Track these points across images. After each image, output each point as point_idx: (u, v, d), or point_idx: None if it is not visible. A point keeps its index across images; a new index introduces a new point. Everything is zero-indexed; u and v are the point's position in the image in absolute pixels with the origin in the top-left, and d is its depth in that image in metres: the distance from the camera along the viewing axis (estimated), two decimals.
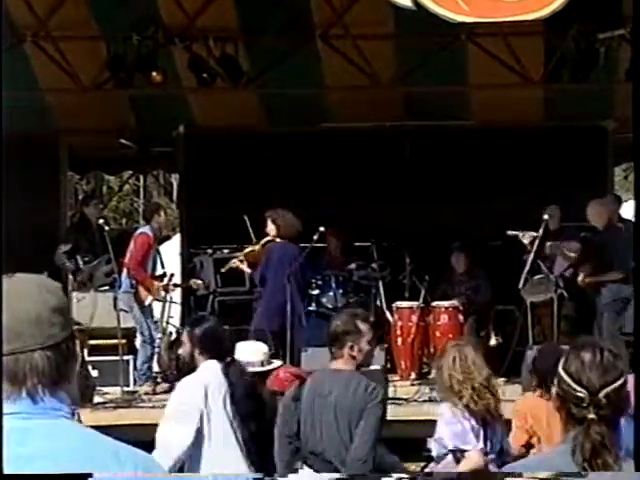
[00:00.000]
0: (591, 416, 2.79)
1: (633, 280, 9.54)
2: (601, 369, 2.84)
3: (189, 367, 6.06)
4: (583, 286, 10.87)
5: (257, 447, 5.95)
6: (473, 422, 5.93)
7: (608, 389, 2.82)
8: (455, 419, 5.96)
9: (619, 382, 2.85)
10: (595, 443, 2.76)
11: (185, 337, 6.19)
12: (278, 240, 10.85)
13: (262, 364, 7.02)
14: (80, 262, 11.67)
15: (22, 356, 2.10)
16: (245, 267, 11.23)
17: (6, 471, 2.06)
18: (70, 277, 11.53)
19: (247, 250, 11.33)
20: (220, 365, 5.97)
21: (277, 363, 7.50)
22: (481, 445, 5.95)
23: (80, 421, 5.14)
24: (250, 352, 7.06)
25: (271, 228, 10.89)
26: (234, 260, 11.54)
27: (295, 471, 5.61)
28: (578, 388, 2.83)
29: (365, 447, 5.61)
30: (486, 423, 5.97)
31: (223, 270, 11.98)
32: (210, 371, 5.96)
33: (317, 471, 5.56)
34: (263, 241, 11.05)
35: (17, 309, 2.11)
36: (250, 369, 6.55)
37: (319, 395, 5.69)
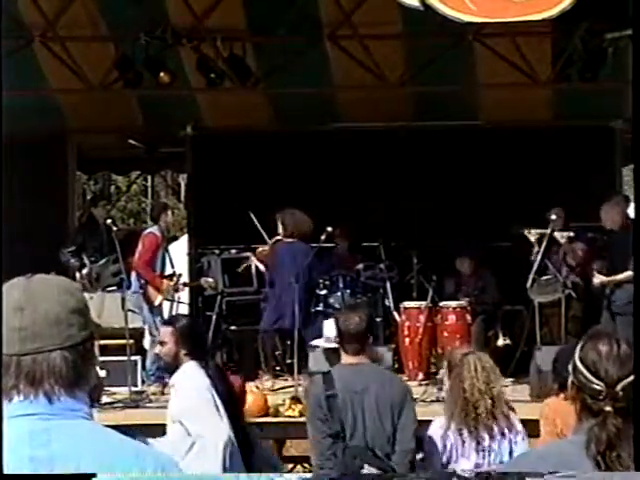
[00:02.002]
0: (608, 409, 2.74)
1: (634, 280, 9.45)
2: (618, 361, 2.79)
3: (173, 367, 6.02)
4: (597, 286, 10.83)
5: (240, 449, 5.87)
6: (471, 435, 5.96)
7: (625, 382, 2.77)
8: (450, 439, 6.00)
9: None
10: (611, 436, 2.72)
11: (168, 336, 6.09)
12: (286, 240, 10.87)
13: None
14: (86, 262, 11.72)
15: (40, 356, 2.10)
16: (262, 266, 11.24)
17: (27, 471, 2.08)
18: (77, 276, 11.52)
19: (258, 250, 11.40)
20: (202, 366, 5.95)
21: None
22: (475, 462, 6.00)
23: None
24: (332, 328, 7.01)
25: (280, 228, 10.94)
26: (252, 258, 11.56)
27: (358, 470, 5.58)
28: (595, 380, 2.78)
29: (412, 439, 5.80)
30: (492, 434, 5.98)
31: (239, 270, 11.99)
32: (201, 373, 5.93)
33: (364, 464, 5.63)
34: (272, 241, 11.12)
35: (36, 310, 2.11)
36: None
37: (354, 392, 5.74)
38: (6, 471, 2.07)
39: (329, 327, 7.04)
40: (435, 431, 6.11)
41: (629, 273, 10.26)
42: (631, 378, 2.77)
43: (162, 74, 12.41)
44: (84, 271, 11.60)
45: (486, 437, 6.00)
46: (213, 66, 12.58)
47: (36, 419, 2.11)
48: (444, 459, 6.04)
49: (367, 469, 5.60)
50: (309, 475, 5.98)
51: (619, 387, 2.77)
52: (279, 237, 10.97)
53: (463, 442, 6.01)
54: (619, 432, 2.72)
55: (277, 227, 10.99)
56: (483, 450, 6.02)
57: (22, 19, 12.34)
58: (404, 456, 5.77)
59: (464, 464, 6.02)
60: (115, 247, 10.95)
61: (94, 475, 2.07)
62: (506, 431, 6.05)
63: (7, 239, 10.35)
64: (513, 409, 6.19)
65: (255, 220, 11.55)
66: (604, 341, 2.83)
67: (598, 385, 2.77)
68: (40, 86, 13.14)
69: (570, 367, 2.87)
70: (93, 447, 2.12)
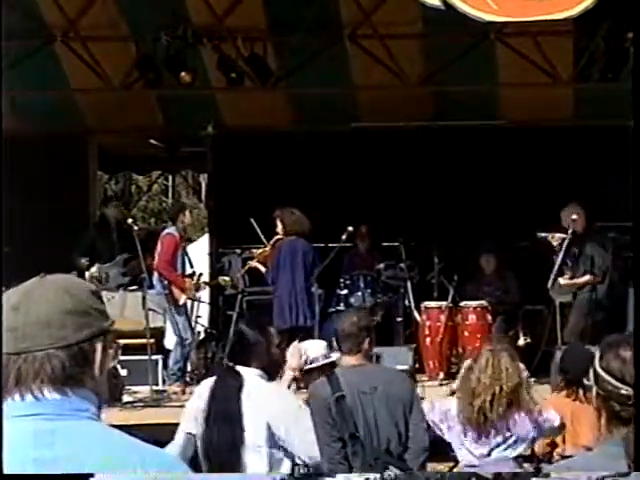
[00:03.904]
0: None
1: (633, 280, 9.59)
2: None
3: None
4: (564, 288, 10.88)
5: None
6: (469, 429, 6.02)
7: None
8: (452, 421, 6.06)
9: None
10: None
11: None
12: (287, 238, 10.88)
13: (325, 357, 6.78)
14: (95, 262, 11.79)
15: (30, 356, 2.11)
16: (261, 267, 11.22)
17: (31, 472, 2.07)
18: (87, 276, 11.55)
19: (259, 251, 11.41)
20: None
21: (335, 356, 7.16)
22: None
23: None
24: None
25: (279, 227, 10.96)
26: (249, 262, 11.61)
27: (384, 471, 5.46)
28: (623, 386, 2.74)
29: (425, 436, 5.76)
30: (486, 431, 6.01)
31: (242, 272, 12.06)
32: None
33: (387, 466, 5.56)
34: (272, 240, 11.13)
35: (28, 311, 2.14)
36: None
37: (362, 392, 5.68)
38: (6, 471, 2.07)
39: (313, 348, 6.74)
40: (437, 415, 6.19)
41: (588, 277, 10.60)
42: None
43: (183, 74, 12.47)
44: (92, 270, 11.62)
45: (491, 431, 6.02)
46: (234, 66, 12.67)
47: (40, 419, 2.11)
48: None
49: (392, 471, 5.48)
50: None
51: None
52: (279, 236, 10.97)
53: (465, 432, 6.07)
54: None
55: (276, 226, 11.01)
56: (484, 444, 6.05)
57: (44, 19, 12.46)
58: (418, 455, 5.73)
59: (465, 454, 6.11)
60: (126, 247, 11.10)
61: (92, 475, 2.07)
62: (506, 430, 6.05)
63: (29, 239, 10.50)
64: (531, 411, 6.13)
65: (256, 226, 11.64)
66: (624, 347, 2.79)
67: (627, 391, 2.74)
68: (61, 86, 13.26)
69: (591, 378, 2.83)
70: (98, 448, 2.11)
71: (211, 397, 5.39)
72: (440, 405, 6.30)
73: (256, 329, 5.71)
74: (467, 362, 6.34)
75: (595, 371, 2.81)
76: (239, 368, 5.39)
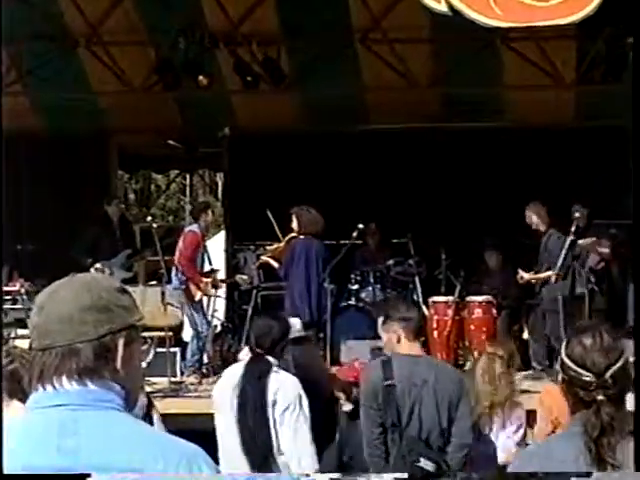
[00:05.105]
0: (600, 397, 2.79)
1: (632, 277, 9.70)
2: (604, 351, 2.83)
3: None
4: (523, 283, 11.08)
5: None
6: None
7: (613, 369, 2.81)
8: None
9: (621, 361, 2.85)
10: (604, 423, 2.76)
11: None
12: (301, 237, 10.84)
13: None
14: (99, 258, 11.89)
15: (53, 352, 2.18)
16: (274, 262, 11.19)
17: (55, 462, 2.11)
18: (91, 272, 11.55)
19: (272, 247, 11.38)
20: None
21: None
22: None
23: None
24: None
25: (295, 224, 10.90)
26: (262, 257, 11.66)
27: (415, 461, 5.55)
28: (584, 372, 2.82)
29: (469, 432, 5.73)
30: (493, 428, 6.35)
31: (254, 266, 12.17)
32: None
33: (420, 457, 5.58)
34: (287, 237, 11.09)
35: (52, 310, 2.20)
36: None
37: (413, 384, 5.61)
38: (6, 471, 2.09)
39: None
40: None
41: (549, 273, 10.65)
42: (618, 365, 2.83)
43: (201, 77, 12.61)
44: (97, 266, 11.72)
45: (488, 429, 6.35)
46: (249, 69, 12.82)
47: (64, 409, 2.15)
48: None
49: (423, 462, 5.55)
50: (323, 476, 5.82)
51: (607, 375, 2.81)
52: (294, 234, 10.94)
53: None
54: (612, 419, 2.77)
55: (292, 223, 10.95)
56: (485, 440, 6.30)
57: (68, 25, 12.61)
58: (459, 449, 5.66)
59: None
60: (128, 243, 11.49)
61: (89, 475, 2.08)
62: (502, 428, 6.41)
63: (50, 238, 10.53)
64: (511, 409, 6.46)
65: (272, 218, 11.64)
66: (587, 334, 2.86)
67: (587, 376, 2.81)
68: (84, 89, 13.38)
69: (558, 365, 2.92)
70: (119, 438, 2.13)
71: (243, 382, 5.73)
72: None
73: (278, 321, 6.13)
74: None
75: (561, 358, 2.90)
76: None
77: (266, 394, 5.70)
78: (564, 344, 2.92)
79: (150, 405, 5.48)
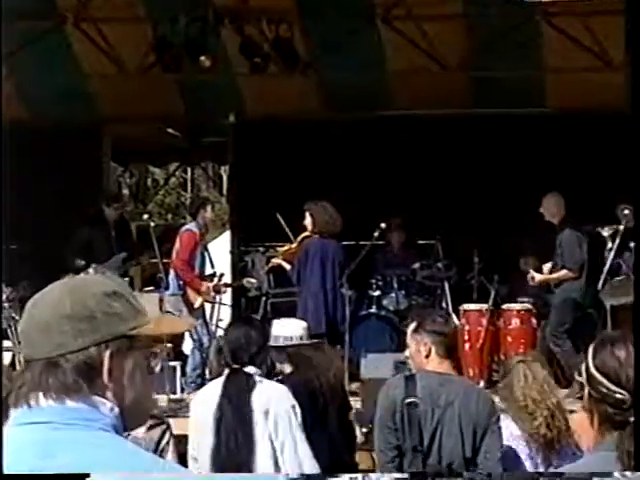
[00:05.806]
0: (633, 419, 2.62)
1: (634, 280, 9.62)
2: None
3: None
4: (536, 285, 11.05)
5: None
6: (535, 448, 5.74)
7: None
8: (516, 441, 5.75)
9: None
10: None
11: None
12: (316, 236, 10.58)
13: (301, 339, 6.81)
14: (92, 261, 11.76)
15: (32, 364, 2.14)
16: (286, 265, 11.01)
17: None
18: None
19: (284, 249, 11.24)
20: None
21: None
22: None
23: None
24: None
25: (308, 222, 10.61)
26: (273, 259, 11.57)
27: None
28: (618, 389, 2.64)
29: (498, 465, 5.48)
30: (553, 449, 5.75)
31: (263, 270, 12.19)
32: None
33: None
34: (300, 238, 10.91)
35: (34, 316, 2.16)
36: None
37: (437, 405, 5.50)
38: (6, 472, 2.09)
39: (277, 327, 6.84)
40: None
41: (564, 272, 10.67)
42: None
43: (203, 58, 12.34)
44: (90, 270, 11.54)
45: (542, 450, 5.77)
46: (258, 50, 12.51)
47: (44, 427, 2.09)
48: None
49: None
50: None
51: None
52: (308, 233, 10.71)
53: (531, 451, 5.76)
54: None
55: (305, 219, 10.70)
56: (536, 463, 5.78)
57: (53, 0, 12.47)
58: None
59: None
60: (124, 246, 11.58)
61: (88, 475, 2.05)
62: (568, 447, 5.76)
63: (38, 236, 10.49)
64: (569, 427, 5.90)
65: (282, 221, 11.56)
66: (619, 345, 2.69)
67: (622, 394, 2.63)
68: (73, 72, 13.22)
69: (584, 377, 2.71)
70: (103, 460, 2.07)
71: (222, 402, 5.63)
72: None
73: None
74: (500, 385, 6.17)
75: (588, 370, 2.71)
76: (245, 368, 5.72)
77: (250, 411, 5.63)
78: (590, 354, 2.73)
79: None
